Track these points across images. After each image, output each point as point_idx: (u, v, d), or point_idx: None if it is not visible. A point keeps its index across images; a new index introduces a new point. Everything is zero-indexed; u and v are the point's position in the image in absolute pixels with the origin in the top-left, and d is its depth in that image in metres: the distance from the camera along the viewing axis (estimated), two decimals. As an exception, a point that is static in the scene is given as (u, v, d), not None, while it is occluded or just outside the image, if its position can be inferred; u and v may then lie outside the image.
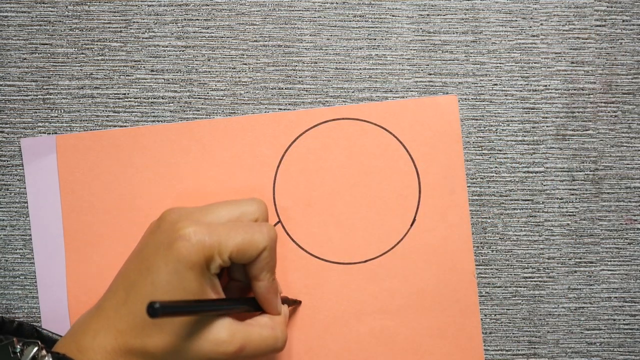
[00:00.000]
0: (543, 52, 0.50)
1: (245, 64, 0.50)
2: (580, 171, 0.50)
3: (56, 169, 0.50)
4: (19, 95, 0.50)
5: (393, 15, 0.50)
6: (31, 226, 0.50)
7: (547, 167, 0.50)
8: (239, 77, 0.50)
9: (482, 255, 0.50)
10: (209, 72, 0.50)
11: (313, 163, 0.50)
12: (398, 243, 0.50)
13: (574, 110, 0.50)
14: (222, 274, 0.44)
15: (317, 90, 0.50)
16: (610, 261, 0.50)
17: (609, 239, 0.50)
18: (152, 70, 0.50)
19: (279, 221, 0.50)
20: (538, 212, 0.50)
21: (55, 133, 0.50)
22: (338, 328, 0.49)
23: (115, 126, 0.50)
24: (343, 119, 0.50)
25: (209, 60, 0.50)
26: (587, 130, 0.50)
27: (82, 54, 0.50)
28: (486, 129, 0.50)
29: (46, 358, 0.41)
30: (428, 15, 0.50)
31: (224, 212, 0.44)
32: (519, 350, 0.50)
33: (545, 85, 0.50)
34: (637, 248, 0.50)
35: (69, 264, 0.49)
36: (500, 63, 0.50)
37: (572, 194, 0.50)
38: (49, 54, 0.50)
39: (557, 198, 0.50)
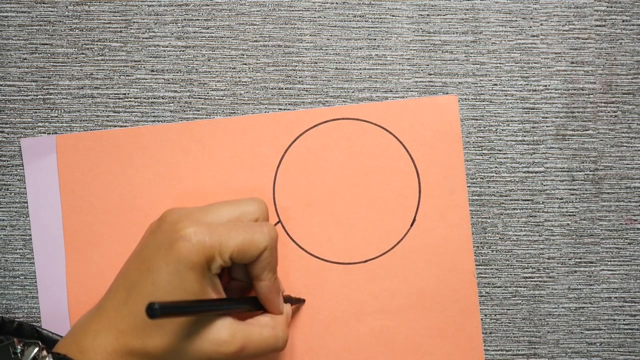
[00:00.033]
0: (543, 52, 0.50)
1: (245, 64, 0.50)
2: (580, 171, 0.50)
3: (56, 169, 0.50)
4: (19, 95, 0.50)
5: (393, 15, 0.50)
6: (31, 226, 0.50)
7: (547, 167, 0.50)
8: (239, 77, 0.50)
9: (482, 255, 0.50)
10: (209, 72, 0.50)
11: (313, 163, 0.50)
12: (398, 243, 0.50)
13: (574, 110, 0.50)
14: (223, 274, 0.44)
15: (317, 90, 0.50)
16: (610, 261, 0.50)
17: (609, 239, 0.50)
18: (152, 70, 0.50)
19: (279, 221, 0.50)
20: (538, 212, 0.50)
21: (55, 133, 0.50)
22: (338, 328, 0.49)
23: (115, 126, 0.50)
24: (343, 119, 0.50)
25: (209, 60, 0.50)
26: (587, 130, 0.50)
27: (82, 54, 0.50)
28: (486, 129, 0.50)
29: (47, 358, 0.41)
30: (428, 15, 0.50)
31: (224, 212, 0.44)
32: (519, 350, 0.50)
33: (545, 85, 0.50)
34: (637, 248, 0.50)
35: (69, 264, 0.49)
36: (500, 63, 0.50)
37: (572, 194, 0.50)
38: (49, 54, 0.50)
39: (557, 198, 0.50)
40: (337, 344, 0.49)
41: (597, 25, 0.50)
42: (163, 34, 0.50)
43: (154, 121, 0.50)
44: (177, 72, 0.50)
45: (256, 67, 0.50)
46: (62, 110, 0.50)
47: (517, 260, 0.50)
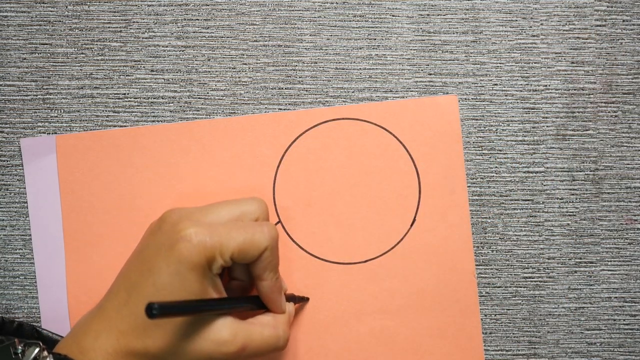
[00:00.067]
0: (543, 52, 0.50)
1: (245, 64, 0.50)
2: (580, 171, 0.50)
3: (56, 169, 0.50)
4: (19, 95, 0.50)
5: (393, 15, 0.50)
6: (31, 226, 0.50)
7: (547, 167, 0.50)
8: (239, 77, 0.50)
9: (482, 255, 0.50)
10: (209, 72, 0.50)
11: (313, 163, 0.50)
12: (398, 243, 0.50)
13: (574, 110, 0.50)
14: (223, 274, 0.44)
15: (317, 90, 0.50)
16: (611, 261, 0.50)
17: (609, 239, 0.50)
18: (152, 70, 0.50)
19: (279, 221, 0.50)
20: (538, 212, 0.50)
21: (55, 133, 0.50)
22: (338, 328, 0.49)
23: (115, 126, 0.50)
24: (343, 119, 0.50)
25: (209, 60, 0.50)
26: (587, 130, 0.50)
27: (82, 54, 0.50)
28: (486, 129, 0.50)
29: (47, 359, 0.41)
30: (428, 15, 0.50)
31: (224, 212, 0.44)
32: (519, 350, 0.50)
33: (545, 85, 0.50)
34: (637, 248, 0.50)
35: (68, 264, 0.49)
36: (500, 63, 0.50)
37: (572, 194, 0.50)
38: (49, 54, 0.50)
39: (557, 198, 0.50)
40: (337, 344, 0.49)
41: (597, 25, 0.50)
42: (163, 34, 0.50)
43: (154, 121, 0.50)
44: (177, 72, 0.50)
45: (256, 67, 0.50)
46: (62, 110, 0.50)
47: (517, 260, 0.50)
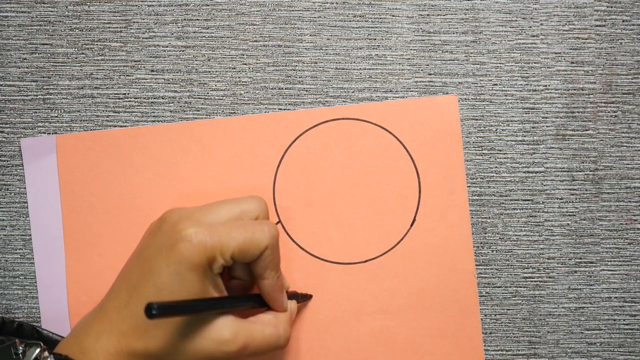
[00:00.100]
0: (543, 52, 0.50)
1: (245, 64, 0.50)
2: (580, 171, 0.50)
3: (56, 169, 0.50)
4: (19, 95, 0.50)
5: (393, 15, 0.50)
6: (31, 226, 0.50)
7: (547, 167, 0.50)
8: (239, 77, 0.50)
9: (482, 255, 0.50)
10: (209, 72, 0.50)
11: (313, 163, 0.50)
12: (398, 243, 0.50)
13: (574, 110, 0.50)
14: (223, 273, 0.44)
15: (317, 90, 0.50)
16: (610, 261, 0.50)
17: (609, 239, 0.50)
18: (152, 70, 0.50)
19: (279, 221, 0.50)
20: (538, 212, 0.50)
21: (55, 133, 0.50)
22: (338, 328, 0.49)
23: (115, 126, 0.50)
24: (343, 119, 0.50)
25: (209, 60, 0.50)
26: (587, 130, 0.50)
27: (82, 54, 0.50)
28: (486, 129, 0.50)
29: (48, 359, 0.41)
30: (428, 15, 0.50)
31: (224, 211, 0.44)
32: (519, 350, 0.50)
33: (545, 85, 0.50)
34: (637, 248, 0.50)
35: (69, 264, 0.49)
36: (500, 63, 0.50)
37: (572, 194, 0.50)
38: (49, 54, 0.50)
39: (557, 198, 0.50)
40: (337, 344, 0.49)
41: (597, 25, 0.50)
42: (163, 34, 0.50)
43: (154, 121, 0.50)
44: (177, 72, 0.50)
45: (256, 67, 0.50)
46: (62, 110, 0.50)
47: (517, 260, 0.50)
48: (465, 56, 0.50)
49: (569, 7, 0.50)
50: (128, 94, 0.50)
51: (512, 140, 0.50)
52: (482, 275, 0.50)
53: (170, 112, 0.50)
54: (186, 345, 0.41)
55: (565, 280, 0.50)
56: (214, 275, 0.42)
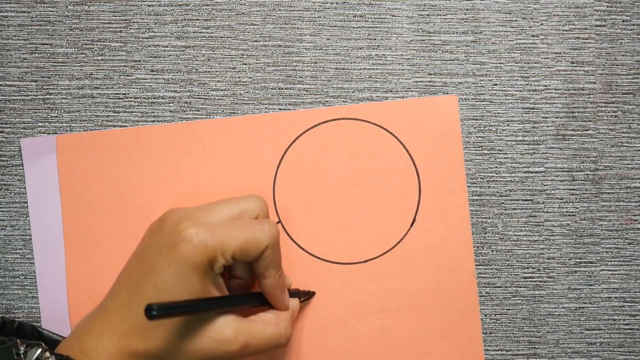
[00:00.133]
0: (543, 52, 0.50)
1: (245, 64, 0.50)
2: (580, 171, 0.50)
3: (56, 169, 0.50)
4: (19, 95, 0.50)
5: (393, 15, 0.50)
6: (31, 226, 0.50)
7: (547, 167, 0.50)
8: (239, 77, 0.50)
9: (482, 255, 0.50)
10: (209, 72, 0.50)
11: (313, 163, 0.50)
12: (398, 243, 0.50)
13: (574, 110, 0.50)
14: (224, 272, 0.44)
15: (317, 90, 0.50)
16: (610, 261, 0.50)
17: (609, 239, 0.50)
18: (152, 70, 0.50)
19: (279, 221, 0.50)
20: (538, 212, 0.50)
21: (55, 133, 0.50)
22: (338, 328, 0.49)
23: (115, 126, 0.50)
24: (343, 119, 0.50)
25: (209, 60, 0.50)
26: (587, 130, 0.50)
27: (82, 54, 0.50)
28: (486, 129, 0.50)
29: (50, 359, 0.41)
30: (428, 15, 0.50)
31: (224, 210, 0.44)
32: (519, 350, 0.50)
33: (545, 85, 0.50)
34: (637, 248, 0.50)
35: (69, 264, 0.49)
36: (500, 63, 0.50)
37: (572, 194, 0.50)
38: (49, 54, 0.50)
39: (557, 198, 0.50)
40: (337, 344, 0.49)
41: (597, 25, 0.50)
42: (163, 34, 0.50)
43: (154, 121, 0.50)
44: (177, 72, 0.50)
45: (256, 67, 0.50)
46: (62, 110, 0.50)
47: (517, 260, 0.50)
48: (465, 56, 0.50)
49: (569, 7, 0.50)
50: (128, 94, 0.50)
51: (512, 140, 0.50)
52: (482, 275, 0.50)
53: (170, 112, 0.50)
54: (187, 345, 0.41)
55: (565, 280, 0.50)
56: (214, 275, 0.42)
